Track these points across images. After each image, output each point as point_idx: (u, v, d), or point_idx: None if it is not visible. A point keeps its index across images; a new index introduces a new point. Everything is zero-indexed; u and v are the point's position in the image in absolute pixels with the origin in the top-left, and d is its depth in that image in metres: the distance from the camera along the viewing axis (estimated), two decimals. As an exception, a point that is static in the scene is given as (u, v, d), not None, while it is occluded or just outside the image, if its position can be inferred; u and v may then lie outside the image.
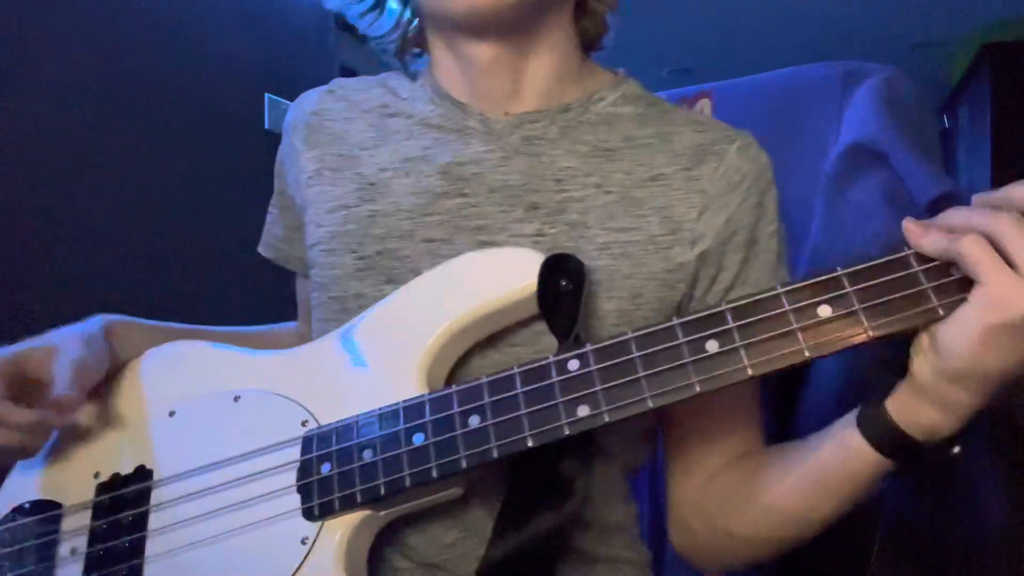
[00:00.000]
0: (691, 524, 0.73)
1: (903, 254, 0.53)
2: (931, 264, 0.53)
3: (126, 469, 0.68)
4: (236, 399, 0.68)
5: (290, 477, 0.62)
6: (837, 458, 0.60)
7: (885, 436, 0.57)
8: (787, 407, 0.92)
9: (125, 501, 0.67)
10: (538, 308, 0.64)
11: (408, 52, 0.78)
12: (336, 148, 0.76)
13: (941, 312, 0.51)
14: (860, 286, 0.53)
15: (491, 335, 0.67)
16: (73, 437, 0.71)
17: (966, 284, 0.51)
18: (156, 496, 0.66)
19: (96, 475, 0.69)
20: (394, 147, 0.73)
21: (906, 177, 0.86)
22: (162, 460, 0.68)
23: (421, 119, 0.74)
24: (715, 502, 0.70)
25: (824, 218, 0.94)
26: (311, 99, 0.80)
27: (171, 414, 0.70)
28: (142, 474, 0.68)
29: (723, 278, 0.70)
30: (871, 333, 0.52)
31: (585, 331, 0.65)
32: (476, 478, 0.63)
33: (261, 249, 0.87)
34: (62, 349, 0.67)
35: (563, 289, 0.64)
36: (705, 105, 1.08)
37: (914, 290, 0.52)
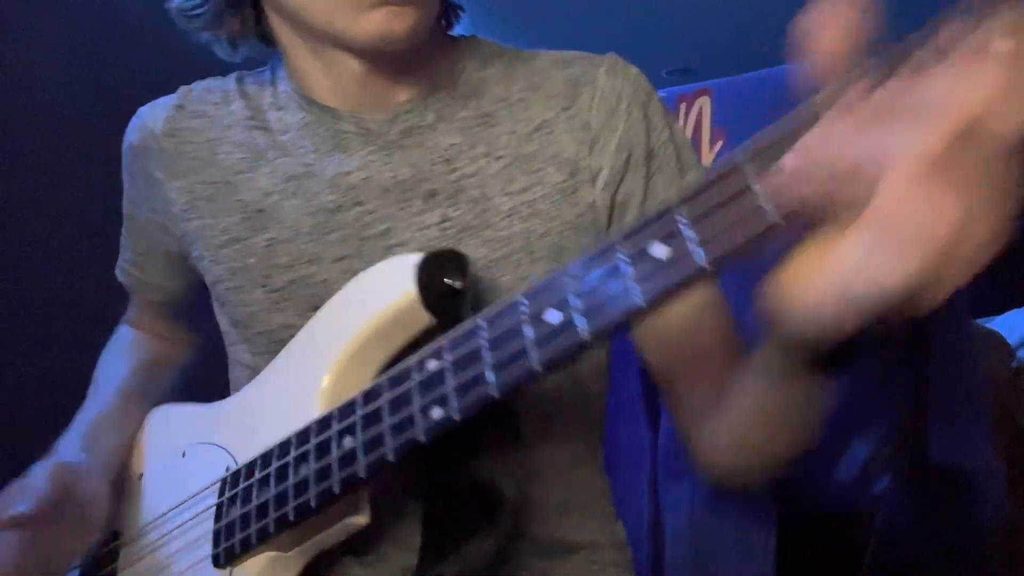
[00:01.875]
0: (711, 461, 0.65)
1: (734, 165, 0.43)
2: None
3: (106, 532, 0.72)
4: (183, 455, 0.69)
5: (210, 523, 0.62)
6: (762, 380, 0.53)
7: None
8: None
9: (101, 561, 0.70)
10: (429, 315, 0.60)
11: (241, 40, 0.72)
12: (206, 175, 0.71)
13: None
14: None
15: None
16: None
17: None
18: (123, 555, 0.68)
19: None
20: (271, 167, 0.69)
21: None
22: (128, 520, 0.70)
23: (293, 133, 0.70)
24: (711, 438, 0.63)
25: None
26: (157, 117, 0.73)
27: (139, 477, 0.72)
28: (114, 536, 0.70)
29: (633, 204, 0.66)
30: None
31: None
32: (385, 498, 0.59)
33: (117, 271, 0.83)
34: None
35: (450, 288, 0.59)
36: (704, 103, 1.06)
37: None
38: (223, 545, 0.59)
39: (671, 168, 0.67)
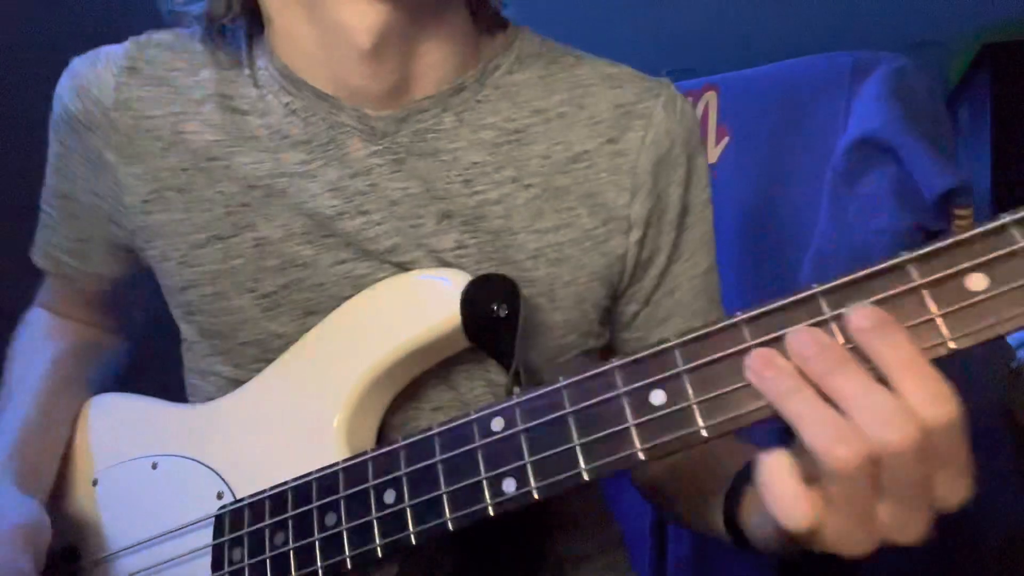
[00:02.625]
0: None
1: (897, 260, 0.39)
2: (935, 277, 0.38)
3: (56, 545, 0.62)
4: (154, 466, 0.60)
5: (204, 563, 0.55)
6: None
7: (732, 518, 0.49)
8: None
9: (55, 585, 0.61)
10: (468, 341, 0.54)
11: (221, 17, 0.58)
12: (172, 160, 0.58)
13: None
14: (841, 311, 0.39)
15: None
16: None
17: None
18: (85, 578, 0.60)
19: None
20: (253, 155, 0.58)
21: (914, 171, 0.80)
22: (88, 539, 0.61)
23: (277, 117, 0.58)
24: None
25: (830, 212, 0.88)
26: (104, 83, 0.59)
27: (94, 483, 0.63)
28: (71, 555, 0.62)
29: (659, 258, 0.61)
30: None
31: (531, 350, 0.55)
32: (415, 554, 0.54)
33: (38, 257, 0.69)
34: None
35: (496, 315, 0.53)
36: (711, 98, 1.04)
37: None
38: (230, 596, 0.53)
39: (705, 231, 0.62)
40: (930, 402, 0.34)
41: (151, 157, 0.58)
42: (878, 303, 0.37)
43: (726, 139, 0.98)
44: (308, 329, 0.58)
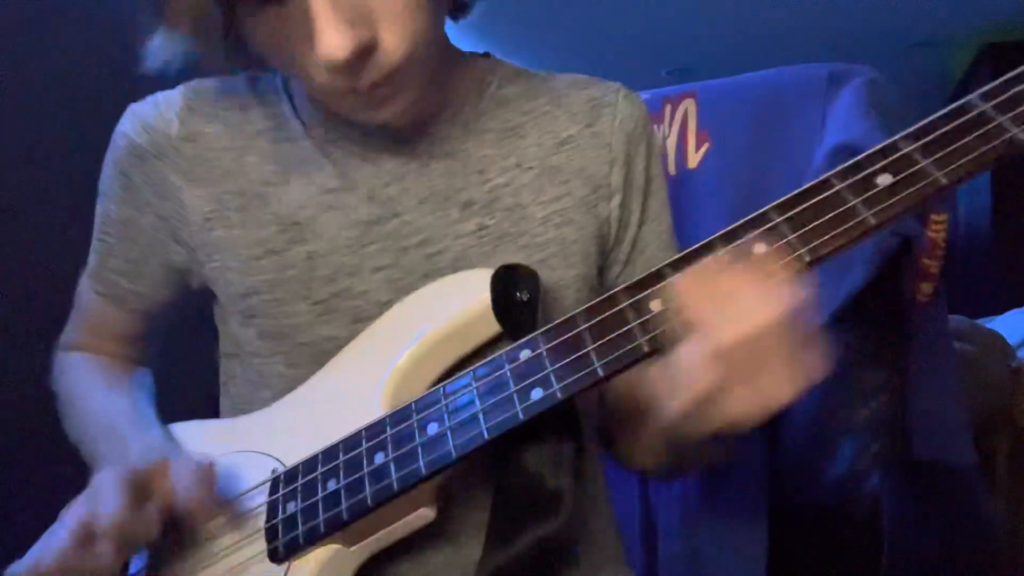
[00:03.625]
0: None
1: (823, 177, 0.52)
2: (853, 179, 0.51)
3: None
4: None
5: (259, 521, 0.60)
6: None
7: None
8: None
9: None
10: (497, 322, 0.64)
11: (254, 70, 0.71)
12: (233, 185, 0.69)
13: (873, 221, 0.50)
14: (788, 215, 0.52)
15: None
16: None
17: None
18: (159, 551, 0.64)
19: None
20: (305, 181, 0.69)
21: None
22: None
23: (319, 144, 0.69)
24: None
25: None
26: (168, 119, 0.70)
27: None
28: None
29: (632, 220, 0.74)
30: (807, 259, 0.50)
31: (553, 314, 0.64)
32: (453, 496, 0.60)
33: (92, 281, 0.76)
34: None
35: (519, 300, 0.64)
36: (689, 105, 1.09)
37: (842, 208, 0.51)
38: (283, 538, 0.58)
39: (663, 196, 0.77)
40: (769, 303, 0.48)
41: (213, 182, 0.69)
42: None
43: (707, 145, 1.04)
44: (358, 332, 0.67)
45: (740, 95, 1.05)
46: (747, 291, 0.49)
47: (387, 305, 0.67)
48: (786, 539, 0.81)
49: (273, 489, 0.61)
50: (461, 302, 0.64)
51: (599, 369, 0.53)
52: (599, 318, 0.55)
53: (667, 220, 0.77)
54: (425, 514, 0.59)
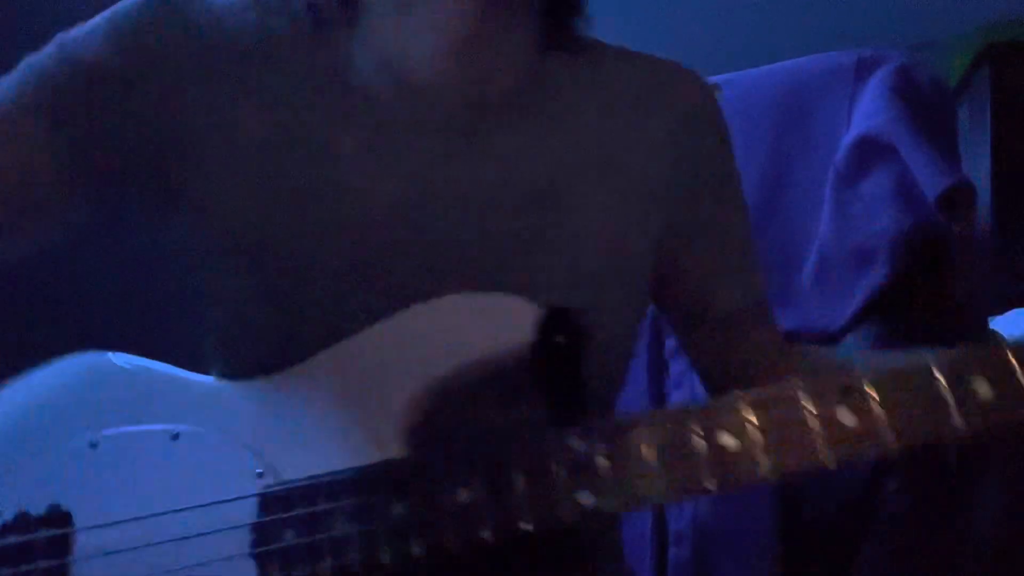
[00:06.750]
0: None
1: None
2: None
3: (35, 508, 0.59)
4: (175, 437, 0.59)
5: (242, 540, 0.55)
6: None
7: None
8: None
9: (37, 548, 0.57)
10: (530, 360, 0.60)
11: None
12: (275, 116, 0.64)
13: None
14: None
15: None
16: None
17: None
18: (80, 545, 0.57)
19: (-7, 509, 0.59)
20: (355, 135, 0.64)
21: (916, 170, 0.84)
22: (83, 503, 0.59)
23: (373, 104, 0.65)
24: None
25: (833, 211, 0.92)
26: (193, 22, 0.65)
27: (92, 446, 0.60)
28: (58, 517, 0.58)
29: (699, 231, 0.71)
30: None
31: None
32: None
33: None
34: None
35: (557, 346, 0.60)
36: None
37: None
38: (279, 572, 0.54)
39: (738, 198, 0.73)
40: None
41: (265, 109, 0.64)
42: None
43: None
44: (373, 309, 0.60)
45: (765, 86, 1.01)
46: None
47: (412, 296, 0.60)
48: (797, 545, 0.83)
49: (264, 507, 0.56)
50: (501, 333, 0.59)
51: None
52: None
53: (740, 229, 0.73)
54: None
